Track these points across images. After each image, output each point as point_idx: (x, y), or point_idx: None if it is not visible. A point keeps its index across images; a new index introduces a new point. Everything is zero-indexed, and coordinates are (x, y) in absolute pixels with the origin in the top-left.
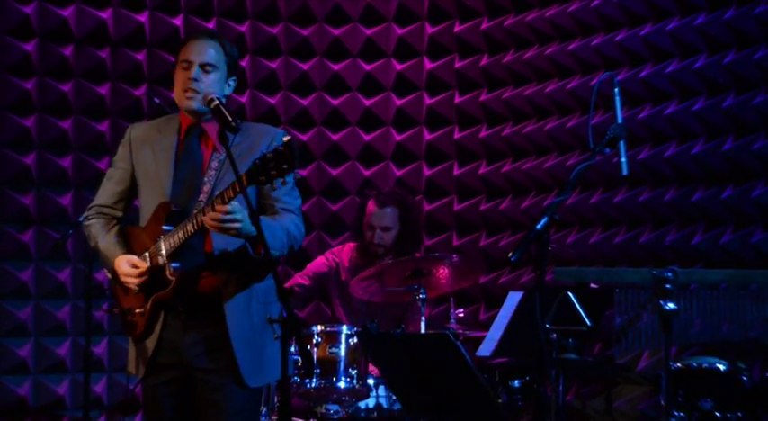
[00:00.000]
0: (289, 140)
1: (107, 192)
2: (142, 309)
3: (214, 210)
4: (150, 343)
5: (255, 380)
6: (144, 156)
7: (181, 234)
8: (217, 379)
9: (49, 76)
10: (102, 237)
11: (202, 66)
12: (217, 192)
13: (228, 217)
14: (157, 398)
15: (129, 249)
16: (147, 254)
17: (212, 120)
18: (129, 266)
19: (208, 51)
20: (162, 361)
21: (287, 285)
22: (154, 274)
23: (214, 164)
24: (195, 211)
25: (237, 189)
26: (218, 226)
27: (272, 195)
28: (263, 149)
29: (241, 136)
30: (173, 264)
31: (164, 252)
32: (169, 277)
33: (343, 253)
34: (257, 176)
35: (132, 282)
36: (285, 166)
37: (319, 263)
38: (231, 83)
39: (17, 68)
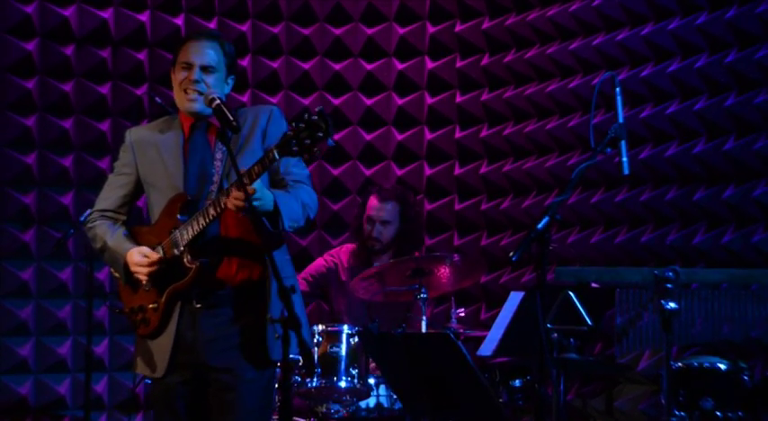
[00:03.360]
0: (321, 109)
1: (110, 196)
2: (155, 304)
3: (239, 189)
4: (167, 341)
5: (276, 352)
6: (149, 158)
7: (201, 220)
8: (230, 379)
9: (50, 75)
10: (111, 235)
11: (203, 68)
12: (226, 180)
13: (255, 195)
14: (171, 398)
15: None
16: (159, 247)
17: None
18: (139, 257)
19: (208, 53)
20: (179, 360)
21: None
22: (169, 266)
23: (218, 154)
24: (216, 196)
25: (268, 162)
26: (242, 206)
27: (280, 170)
28: (262, 125)
29: (241, 118)
30: (202, 260)
31: (181, 241)
32: (187, 265)
33: (341, 253)
34: (290, 148)
35: (143, 271)
36: (320, 135)
37: (318, 264)
38: (230, 81)
39: (18, 68)
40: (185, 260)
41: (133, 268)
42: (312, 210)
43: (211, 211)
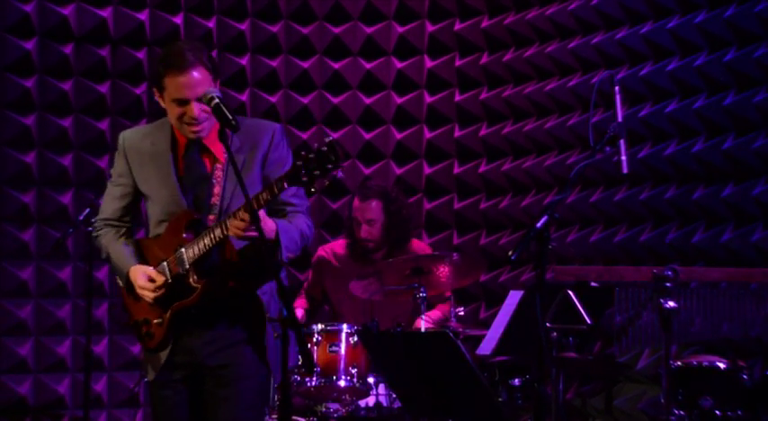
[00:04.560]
0: (332, 141)
1: (111, 207)
2: (160, 320)
3: (246, 213)
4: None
5: (277, 367)
6: (144, 172)
7: (207, 241)
8: (227, 374)
9: (49, 74)
10: (114, 247)
11: (199, 99)
12: (227, 192)
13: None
14: (168, 397)
15: (142, 261)
16: (165, 263)
17: (211, 133)
18: (145, 279)
19: (198, 82)
20: (177, 360)
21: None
22: (175, 284)
23: (219, 165)
24: (223, 219)
25: (277, 191)
26: (242, 235)
27: (281, 199)
28: (264, 150)
29: (239, 138)
30: (208, 279)
31: (186, 260)
32: (194, 284)
33: (335, 246)
34: (299, 178)
35: (148, 295)
36: (330, 166)
37: (312, 264)
38: (216, 85)
39: (17, 67)
40: (191, 280)
41: (139, 290)
42: (308, 240)
43: (217, 233)
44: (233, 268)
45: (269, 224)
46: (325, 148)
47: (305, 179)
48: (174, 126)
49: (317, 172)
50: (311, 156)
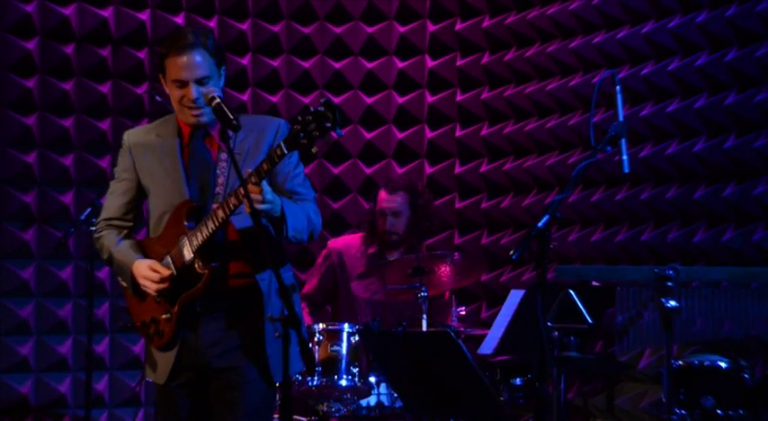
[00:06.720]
0: (327, 99)
1: (114, 205)
2: (168, 315)
3: (246, 187)
4: (174, 348)
5: (279, 375)
6: (149, 164)
7: (210, 224)
8: (234, 377)
9: (50, 74)
10: (116, 245)
11: (198, 81)
12: (231, 180)
13: (261, 196)
14: (173, 400)
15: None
16: (168, 257)
17: (217, 123)
18: (149, 270)
19: (198, 64)
20: (182, 362)
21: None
22: (180, 275)
23: (223, 155)
24: (224, 199)
25: (276, 158)
26: (259, 199)
27: (286, 188)
28: (269, 141)
29: (244, 131)
30: (213, 264)
31: (190, 248)
32: (199, 271)
33: (349, 240)
34: (298, 140)
35: (151, 287)
36: (328, 125)
37: (325, 254)
38: (222, 73)
39: (18, 67)
40: (197, 266)
41: (141, 281)
42: (317, 228)
43: (220, 214)
44: (238, 251)
45: (275, 199)
46: (322, 108)
47: (304, 141)
48: (177, 114)
49: (315, 132)
50: (308, 117)
